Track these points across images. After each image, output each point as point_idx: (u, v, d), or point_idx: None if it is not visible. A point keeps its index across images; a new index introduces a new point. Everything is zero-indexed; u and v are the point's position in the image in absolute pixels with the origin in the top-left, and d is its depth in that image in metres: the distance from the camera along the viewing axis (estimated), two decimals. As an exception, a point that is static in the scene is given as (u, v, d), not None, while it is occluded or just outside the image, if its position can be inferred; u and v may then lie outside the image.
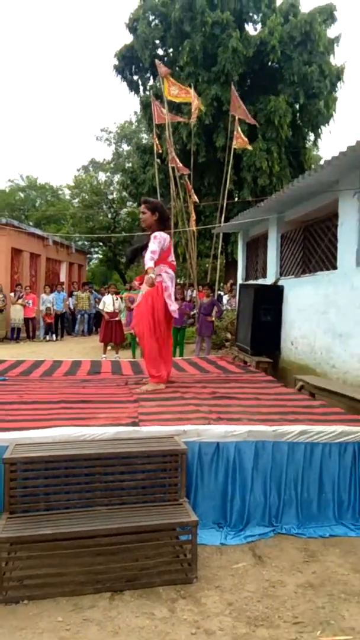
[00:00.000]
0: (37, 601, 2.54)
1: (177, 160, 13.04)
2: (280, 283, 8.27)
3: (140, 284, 5.26)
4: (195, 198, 13.29)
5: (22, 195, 35.05)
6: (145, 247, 4.98)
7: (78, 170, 32.94)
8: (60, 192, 35.03)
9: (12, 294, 15.20)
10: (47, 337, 15.56)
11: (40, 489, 3.01)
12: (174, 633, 2.32)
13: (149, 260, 4.78)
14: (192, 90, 12.89)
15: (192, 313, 12.90)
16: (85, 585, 2.63)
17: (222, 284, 17.68)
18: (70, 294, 17.94)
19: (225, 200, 12.92)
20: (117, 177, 28.65)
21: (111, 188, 29.77)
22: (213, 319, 10.17)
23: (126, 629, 2.35)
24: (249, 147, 13.12)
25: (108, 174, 30.49)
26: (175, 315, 5.16)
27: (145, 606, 2.52)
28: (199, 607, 2.52)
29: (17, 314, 14.97)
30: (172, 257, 5.14)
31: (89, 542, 2.69)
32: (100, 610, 2.48)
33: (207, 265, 16.95)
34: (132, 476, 3.11)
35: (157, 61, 13.50)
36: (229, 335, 11.07)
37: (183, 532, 2.89)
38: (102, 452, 3.08)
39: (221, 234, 14.10)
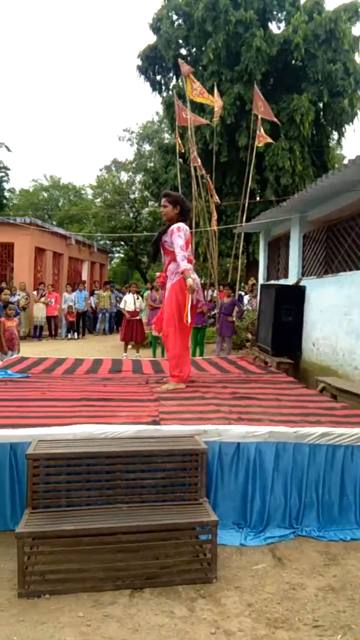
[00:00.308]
0: (59, 596, 2.57)
1: (199, 160, 13.03)
2: (302, 283, 8.20)
3: (163, 281, 5.24)
4: (216, 198, 13.26)
5: (45, 195, 35.50)
6: (161, 237, 4.96)
7: (100, 170, 33.25)
8: (83, 191, 35.37)
9: (35, 293, 15.40)
10: (69, 336, 15.71)
11: (62, 485, 3.05)
12: (194, 632, 2.33)
13: (182, 261, 4.71)
14: (215, 91, 12.87)
15: (212, 313, 12.88)
16: (105, 582, 2.65)
17: (243, 284, 17.61)
18: (91, 293, 18.08)
19: (247, 200, 12.86)
20: (139, 177, 28.78)
21: (133, 188, 29.93)
22: (234, 319, 10.14)
23: (146, 626, 2.36)
24: (270, 140, 13.00)
25: (130, 173, 30.67)
26: (200, 297, 5.11)
27: (164, 604, 2.53)
28: (219, 607, 2.52)
29: (39, 312, 15.16)
30: (189, 251, 5.10)
31: (110, 539, 2.71)
32: (121, 607, 2.50)
33: (228, 265, 16.90)
34: (153, 475, 3.12)
35: (180, 60, 13.50)
36: (249, 336, 11.02)
37: (203, 532, 2.89)
38: (123, 450, 3.11)
39: (243, 234, 14.02)
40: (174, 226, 4.85)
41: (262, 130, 12.49)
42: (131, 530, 2.74)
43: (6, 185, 29.94)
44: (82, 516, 2.83)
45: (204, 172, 13.09)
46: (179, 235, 4.80)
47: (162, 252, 5.12)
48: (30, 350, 10.54)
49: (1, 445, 3.25)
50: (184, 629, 2.35)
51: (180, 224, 4.87)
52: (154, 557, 2.75)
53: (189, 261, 4.97)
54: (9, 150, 30.84)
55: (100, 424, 3.51)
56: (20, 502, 3.20)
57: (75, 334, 15.89)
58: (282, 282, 9.38)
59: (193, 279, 4.83)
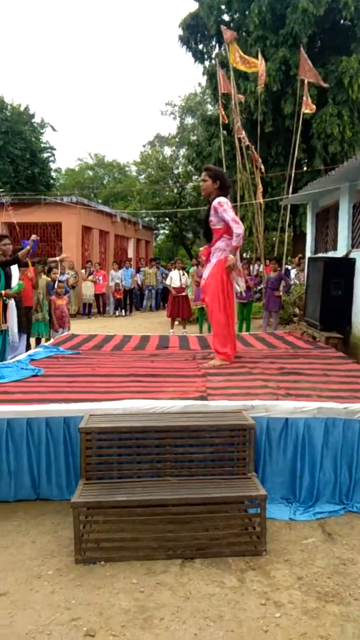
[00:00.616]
0: (113, 563, 2.68)
1: (243, 131, 12.71)
2: (352, 256, 7.93)
3: (207, 256, 5.19)
4: (263, 168, 12.90)
5: (90, 173, 35.74)
6: (208, 217, 4.90)
7: (144, 146, 33.02)
8: (127, 168, 35.36)
9: (83, 271, 15.68)
10: (117, 313, 15.97)
11: (114, 457, 3.15)
12: (244, 602, 2.38)
13: (236, 237, 4.73)
14: (259, 57, 12.43)
15: (259, 288, 12.71)
16: (157, 551, 2.74)
17: (290, 258, 17.24)
18: (137, 270, 18.23)
19: (293, 170, 12.47)
20: (182, 151, 28.44)
21: (177, 162, 29.64)
22: (280, 293, 9.98)
23: (197, 595, 2.43)
24: (314, 109, 12.43)
25: (173, 148, 30.34)
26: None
27: (215, 575, 2.59)
28: (269, 580, 2.56)
29: (88, 290, 15.47)
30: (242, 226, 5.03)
31: (160, 511, 2.79)
32: (172, 576, 2.58)
33: (274, 238, 16.55)
34: (201, 449, 3.17)
35: (222, 27, 13.10)
36: (297, 310, 10.83)
37: (252, 506, 2.92)
38: (171, 425, 3.16)
39: (289, 206, 13.64)
40: (215, 202, 4.79)
41: (308, 95, 12.00)
42: (180, 502, 2.80)
43: (52, 166, 30.33)
44: (134, 488, 2.92)
45: (248, 143, 12.77)
46: (224, 210, 4.74)
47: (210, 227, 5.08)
48: (80, 327, 10.80)
49: (56, 419, 3.38)
50: (235, 599, 2.40)
51: (221, 198, 4.80)
52: (203, 528, 2.81)
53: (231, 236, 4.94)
54: (54, 130, 31.14)
55: (148, 399, 3.58)
56: (75, 473, 3.33)
57: (123, 311, 16.13)
58: (330, 254, 9.11)
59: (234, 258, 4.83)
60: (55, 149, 29.54)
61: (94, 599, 2.40)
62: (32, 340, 7.70)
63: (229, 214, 4.75)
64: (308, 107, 11.92)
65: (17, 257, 5.63)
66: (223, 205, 4.75)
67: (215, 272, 4.92)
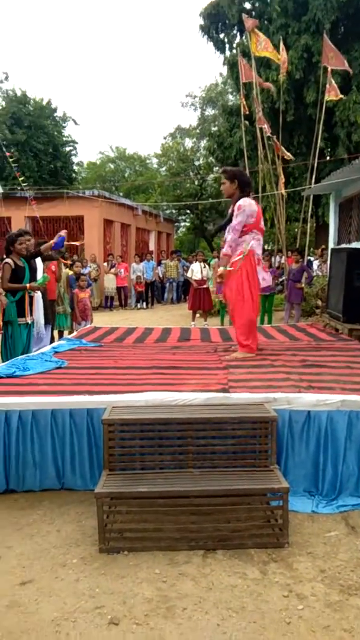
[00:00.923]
0: (136, 553, 2.72)
1: (264, 121, 12.54)
2: (377, 246, 7.80)
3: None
4: (288, 155, 12.68)
5: (112, 166, 35.84)
6: (229, 222, 4.93)
7: (165, 138, 32.93)
8: (148, 161, 35.34)
9: (104, 264, 15.78)
10: (139, 305, 16.05)
11: (136, 449, 3.18)
12: (266, 594, 2.38)
13: (228, 245, 4.82)
14: (281, 45, 12.24)
15: (280, 280, 12.61)
16: (180, 542, 2.76)
17: (312, 249, 17.03)
18: (159, 263, 18.26)
19: (316, 160, 12.28)
20: (203, 143, 28.27)
21: (197, 154, 29.48)
22: (303, 285, 9.88)
23: (219, 585, 2.45)
24: (341, 96, 12.15)
25: (194, 139, 30.19)
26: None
27: (237, 566, 2.60)
28: (291, 572, 2.56)
29: (110, 283, 15.57)
30: (262, 223, 5.05)
31: (183, 502, 2.80)
32: (195, 567, 2.60)
33: (296, 229, 16.36)
34: (223, 441, 3.17)
35: (244, 15, 12.94)
36: (319, 302, 10.70)
37: (274, 498, 2.92)
38: (193, 417, 3.17)
39: (311, 196, 13.47)
40: (237, 204, 4.85)
41: (332, 82, 11.76)
42: (203, 494, 2.81)
43: (74, 159, 30.51)
44: (156, 479, 2.95)
45: (270, 132, 12.59)
46: (237, 215, 4.81)
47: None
48: (102, 320, 10.90)
49: (79, 410, 3.43)
50: (257, 590, 2.41)
51: (242, 201, 4.84)
52: (225, 520, 2.82)
53: (260, 231, 4.97)
54: (76, 123, 31.32)
55: (170, 391, 3.59)
56: (98, 464, 3.37)
57: (144, 303, 16.19)
58: (354, 245, 8.97)
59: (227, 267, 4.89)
60: (77, 143, 29.71)
61: (118, 588, 2.44)
62: (55, 333, 7.80)
63: (236, 221, 4.80)
64: (333, 93, 11.67)
65: (39, 250, 5.70)
66: (240, 209, 4.81)
67: (239, 266, 4.90)
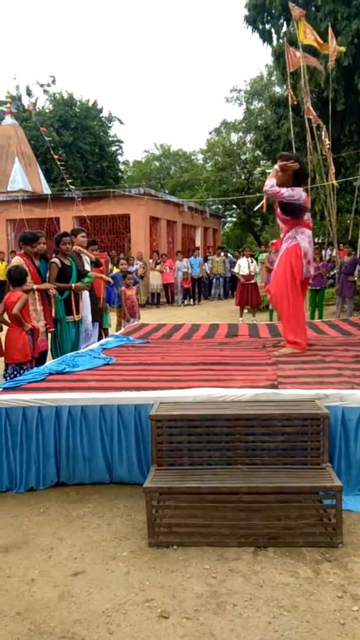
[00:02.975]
0: (185, 548, 2.71)
1: (312, 111, 12.20)
2: None
3: (277, 247, 5.11)
4: (327, 144, 12.26)
5: (157, 164, 36.06)
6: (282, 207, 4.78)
7: (210, 133, 32.75)
8: (193, 157, 35.31)
9: (151, 261, 15.90)
10: (185, 302, 16.06)
11: (184, 445, 3.17)
12: (319, 594, 2.32)
13: (275, 190, 4.57)
14: (330, 32, 11.86)
15: (332, 273, 12.27)
16: (229, 538, 2.73)
17: (365, 241, 16.46)
18: (205, 259, 18.20)
19: (368, 149, 11.84)
20: (249, 137, 27.93)
21: (244, 148, 29.15)
22: (355, 278, 9.57)
23: (270, 583, 2.40)
24: None
25: (240, 134, 29.86)
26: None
27: (289, 564, 2.55)
28: (345, 572, 2.48)
29: (156, 280, 15.67)
30: (308, 216, 4.89)
31: (232, 498, 2.77)
32: (245, 563, 2.57)
33: (348, 221, 15.87)
34: (273, 438, 3.11)
35: (290, 4, 12.62)
36: (373, 296, 10.35)
37: (327, 497, 2.83)
38: (241, 413, 3.13)
39: (364, 187, 13.01)
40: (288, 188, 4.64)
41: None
42: (252, 490, 2.77)
43: (120, 158, 30.94)
44: (204, 475, 2.93)
45: (320, 121, 12.21)
46: (289, 190, 4.59)
47: (278, 221, 4.98)
48: (149, 317, 10.98)
49: (127, 406, 3.46)
50: (310, 589, 2.35)
51: (296, 188, 4.64)
52: (276, 518, 2.77)
53: (309, 228, 4.83)
54: (121, 123, 31.71)
55: (218, 387, 3.56)
56: (145, 459, 3.39)
57: (191, 300, 16.19)
58: None
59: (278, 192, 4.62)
60: (122, 142, 30.11)
61: (168, 582, 2.44)
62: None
63: (288, 191, 4.57)
64: None
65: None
66: (294, 190, 4.59)
67: (285, 260, 4.80)
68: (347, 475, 3.21)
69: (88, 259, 6.45)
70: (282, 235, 4.98)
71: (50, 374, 4.19)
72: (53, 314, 5.44)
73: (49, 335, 5.52)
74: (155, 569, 2.56)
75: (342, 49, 12.39)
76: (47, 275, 5.48)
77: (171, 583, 2.44)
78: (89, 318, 6.29)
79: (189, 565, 2.57)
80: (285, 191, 4.57)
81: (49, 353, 5.56)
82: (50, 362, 4.79)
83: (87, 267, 6.29)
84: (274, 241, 5.82)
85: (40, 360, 5.20)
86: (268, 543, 2.71)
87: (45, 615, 2.26)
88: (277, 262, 4.97)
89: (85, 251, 6.47)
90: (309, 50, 13.35)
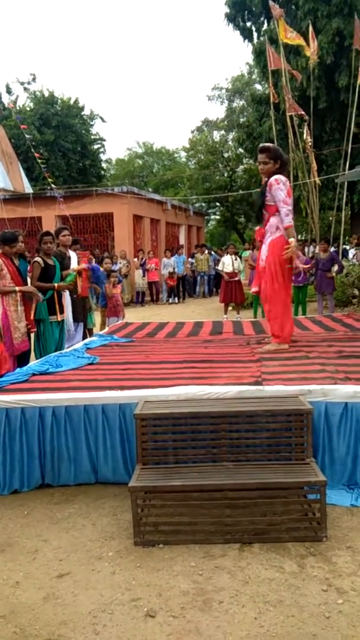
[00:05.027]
0: (171, 546, 2.71)
1: (296, 105, 12.27)
2: None
3: (261, 239, 5.05)
4: (309, 141, 12.36)
5: (140, 162, 35.95)
6: (264, 197, 4.74)
7: (192, 131, 32.79)
8: (176, 155, 35.30)
9: (135, 260, 15.85)
10: (170, 300, 16.06)
11: (169, 443, 3.17)
12: (305, 588, 2.33)
13: (286, 216, 4.56)
14: (310, 31, 11.95)
15: (314, 270, 12.35)
16: (215, 535, 2.74)
17: (347, 238, 16.64)
18: (191, 256, 18.21)
19: (350, 146, 11.97)
20: (231, 135, 28.00)
21: (226, 146, 29.22)
22: (333, 274, 9.62)
23: (256, 579, 2.41)
24: None
25: (222, 132, 29.93)
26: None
27: (274, 560, 2.56)
28: (330, 566, 2.50)
29: (140, 278, 15.63)
30: (291, 203, 4.86)
31: (217, 495, 2.78)
32: (231, 560, 2.58)
33: (330, 218, 16.02)
34: (257, 434, 3.12)
35: (270, 2, 12.68)
36: (356, 292, 10.46)
37: (311, 492, 2.85)
38: (226, 410, 3.14)
39: (346, 184, 13.13)
40: (272, 179, 4.62)
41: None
42: (238, 487, 2.78)
43: (103, 157, 30.77)
44: (190, 473, 2.93)
45: (303, 113, 12.23)
46: (279, 188, 4.58)
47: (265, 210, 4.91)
48: (133, 315, 10.95)
49: (111, 406, 3.44)
50: (295, 584, 2.36)
51: (278, 176, 4.64)
52: (261, 514, 2.78)
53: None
54: (103, 121, 31.62)
55: (203, 385, 3.57)
56: (131, 458, 3.38)
57: (176, 298, 16.19)
58: (390, 232, 8.70)
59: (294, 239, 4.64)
60: (105, 140, 29.95)
61: (154, 581, 2.44)
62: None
63: (281, 194, 4.58)
64: None
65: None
66: (279, 183, 4.58)
67: (271, 253, 4.76)
68: (330, 470, 3.24)
69: (76, 258, 6.40)
70: (264, 223, 4.90)
71: (34, 374, 4.15)
72: (32, 315, 5.35)
73: (32, 335, 5.46)
74: (141, 568, 2.55)
75: (316, 58, 12.41)
76: (30, 274, 5.42)
77: (157, 581, 2.43)
78: (71, 318, 6.25)
79: (175, 563, 2.57)
80: (284, 202, 4.58)
81: (32, 353, 5.51)
82: (33, 363, 4.75)
83: (74, 262, 6.25)
84: (257, 228, 5.72)
85: (24, 360, 5.15)
86: (253, 539, 2.72)
87: (31, 617, 2.24)
88: (266, 257, 4.81)
89: (71, 251, 6.41)
90: (290, 49, 13.44)
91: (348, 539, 2.73)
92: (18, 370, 4.40)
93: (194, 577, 2.46)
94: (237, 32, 17.42)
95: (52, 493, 3.40)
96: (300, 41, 12.04)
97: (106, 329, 7.21)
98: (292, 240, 4.59)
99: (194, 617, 2.18)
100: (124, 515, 3.02)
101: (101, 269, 8.56)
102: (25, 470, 3.44)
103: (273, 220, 4.73)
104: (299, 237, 17.13)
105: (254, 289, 5.58)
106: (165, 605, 2.26)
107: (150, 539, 2.75)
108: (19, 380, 3.95)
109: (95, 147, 29.44)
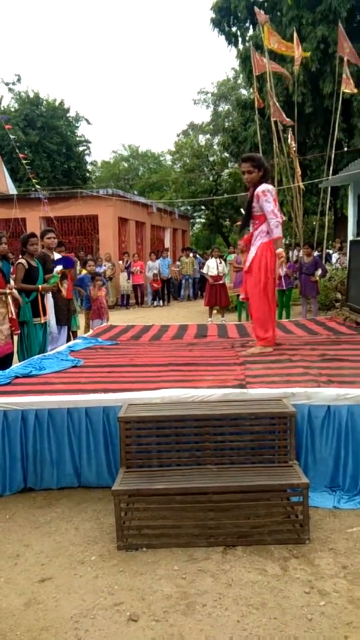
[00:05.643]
0: (155, 550, 2.70)
1: (281, 112, 12.37)
2: None
3: (246, 245, 5.09)
4: (294, 146, 12.47)
5: (125, 165, 35.90)
6: (250, 207, 4.78)
7: (178, 135, 32.89)
8: (162, 158, 35.33)
9: (120, 262, 15.80)
10: (155, 303, 16.04)
11: (153, 446, 3.16)
12: (287, 590, 2.34)
13: (276, 227, 4.64)
14: (295, 37, 12.07)
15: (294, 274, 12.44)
16: (198, 538, 2.74)
17: (331, 242, 16.82)
18: (177, 259, 18.21)
19: (333, 151, 12.11)
20: (217, 139, 28.15)
21: (211, 150, 29.35)
22: (317, 278, 9.71)
23: (239, 582, 2.41)
24: (355, 91, 11.98)
25: (208, 136, 30.08)
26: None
27: (257, 562, 2.57)
28: (312, 568, 2.51)
29: (125, 281, 15.59)
30: (278, 210, 4.91)
31: (201, 498, 2.77)
32: (214, 563, 2.57)
33: (314, 223, 16.18)
34: (241, 437, 3.13)
35: (256, 8, 12.80)
36: (339, 296, 10.56)
37: (294, 494, 2.87)
38: (210, 413, 3.14)
39: (329, 188, 13.27)
40: (259, 190, 4.67)
41: (348, 73, 11.58)
42: (221, 490, 2.78)
43: (88, 159, 30.65)
44: (174, 476, 2.92)
45: (287, 120, 12.34)
46: (266, 200, 4.64)
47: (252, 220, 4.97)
48: (118, 318, 10.91)
49: (95, 409, 3.42)
50: (278, 586, 2.37)
51: (265, 187, 4.68)
52: (245, 516, 2.78)
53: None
54: (89, 123, 31.47)
55: (187, 388, 3.56)
56: (115, 462, 3.36)
57: (161, 301, 16.17)
58: (373, 237, 8.82)
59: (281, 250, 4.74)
60: (90, 142, 29.84)
61: (137, 585, 2.42)
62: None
63: (269, 206, 4.64)
64: (348, 87, 11.50)
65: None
66: (267, 195, 4.64)
67: (257, 257, 4.80)
68: (313, 472, 3.26)
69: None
70: (251, 230, 4.94)
71: (17, 377, 4.11)
72: (13, 316, 5.30)
73: (15, 338, 5.41)
74: (124, 572, 2.53)
75: (307, 54, 12.63)
76: (13, 276, 5.37)
77: (140, 585, 2.42)
78: (53, 320, 6.20)
79: (158, 567, 2.56)
80: (274, 214, 4.66)
81: (16, 356, 5.45)
82: (16, 365, 4.70)
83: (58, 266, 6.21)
84: (243, 240, 5.75)
85: (6, 363, 5.09)
86: (237, 542, 2.72)
87: (12, 623, 2.21)
88: (252, 259, 4.85)
89: (56, 253, 6.37)
90: (275, 56, 13.56)
91: (330, 541, 2.75)
92: (0, 372, 4.35)
93: (177, 580, 2.45)
94: (223, 38, 17.53)
95: (34, 497, 3.37)
96: (285, 51, 12.16)
97: (90, 332, 7.18)
98: (280, 250, 4.75)
99: (177, 621, 2.17)
100: (107, 519, 3.00)
101: (83, 272, 8.51)
102: (7, 474, 3.40)
103: (263, 227, 4.79)
104: (285, 241, 17.27)
105: (242, 295, 5.62)
106: (148, 610, 2.25)
107: (133, 543, 2.74)
108: (2, 383, 3.90)
109: (81, 149, 29.31)
